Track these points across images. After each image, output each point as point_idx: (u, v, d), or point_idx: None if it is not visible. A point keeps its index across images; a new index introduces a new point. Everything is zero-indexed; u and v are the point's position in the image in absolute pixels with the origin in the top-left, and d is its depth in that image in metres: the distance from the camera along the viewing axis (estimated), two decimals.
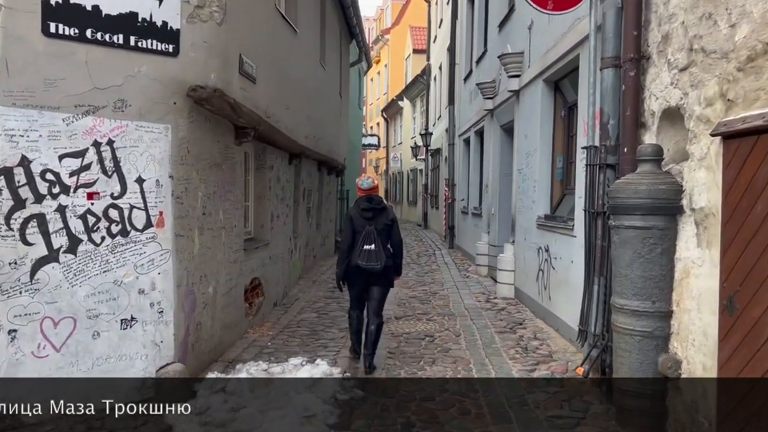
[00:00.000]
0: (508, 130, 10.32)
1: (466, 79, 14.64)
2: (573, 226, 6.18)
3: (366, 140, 29.59)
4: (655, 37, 4.39)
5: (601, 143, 4.96)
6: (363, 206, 5.71)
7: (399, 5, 38.10)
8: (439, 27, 21.58)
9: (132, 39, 4.55)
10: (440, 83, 21.06)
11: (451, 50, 16.23)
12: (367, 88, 44.34)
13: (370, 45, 42.50)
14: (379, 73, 40.73)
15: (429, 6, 23.77)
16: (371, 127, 41.21)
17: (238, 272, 6.54)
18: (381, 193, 40.01)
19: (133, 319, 4.68)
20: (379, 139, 31.46)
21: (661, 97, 4.22)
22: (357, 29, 13.66)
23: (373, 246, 5.51)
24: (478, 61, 12.67)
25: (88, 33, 4.39)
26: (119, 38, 4.50)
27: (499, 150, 10.65)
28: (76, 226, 4.43)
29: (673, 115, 4.14)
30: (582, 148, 5.37)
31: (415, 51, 31.18)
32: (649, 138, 4.45)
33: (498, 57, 8.99)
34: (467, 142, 14.63)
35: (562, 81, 7.38)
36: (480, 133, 13.09)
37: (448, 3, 17.78)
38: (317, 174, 11.88)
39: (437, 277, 11.35)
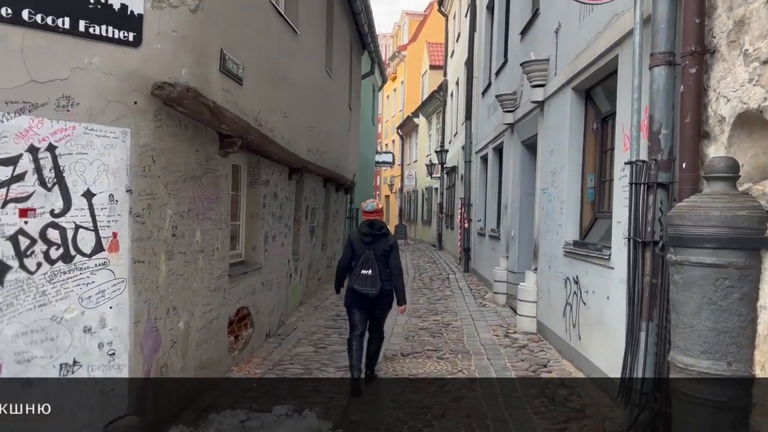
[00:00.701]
0: (530, 146, 9.45)
1: (484, 92, 13.81)
2: (609, 255, 5.27)
3: (380, 157, 28.84)
4: (723, 25, 3.51)
5: (651, 157, 4.07)
6: (364, 230, 5.70)
7: (416, 21, 37.59)
8: (457, 41, 20.85)
9: (82, 24, 3.76)
10: (457, 99, 20.29)
11: (469, 64, 15.45)
12: (383, 105, 43.76)
13: (387, 62, 42.02)
14: (395, 90, 40.15)
15: (446, 20, 23.08)
16: (386, 145, 40.52)
17: (220, 302, 5.69)
18: (394, 213, 39.30)
19: (75, 363, 3.84)
20: (393, 156, 30.72)
21: (735, 98, 3.33)
22: (369, 38, 12.93)
23: (370, 271, 5.50)
24: (498, 73, 11.84)
25: (25, 14, 3.61)
26: (65, 22, 3.72)
27: (520, 168, 9.76)
28: (4, 249, 3.61)
29: (751, 121, 3.25)
30: (626, 163, 4.48)
31: (432, 67, 30.52)
32: (715, 150, 3.56)
33: (521, 65, 8.15)
34: (485, 159, 13.77)
35: (594, 89, 6.51)
36: (499, 150, 12.21)
37: (466, 16, 17.05)
38: (323, 191, 11.06)
39: (451, 305, 10.42)
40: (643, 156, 4.30)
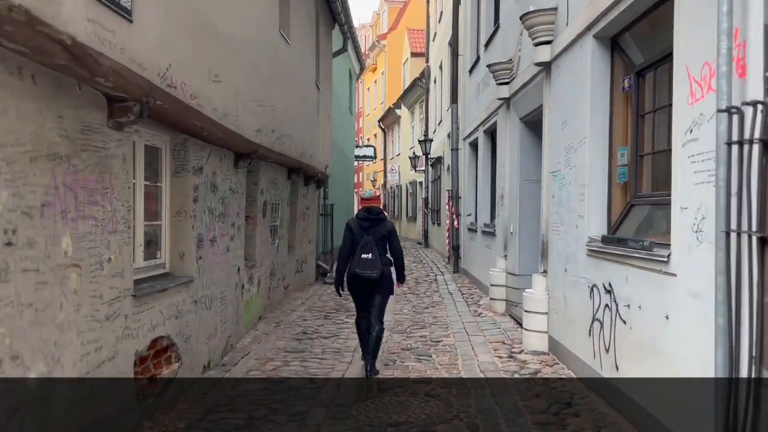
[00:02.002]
0: (532, 123, 7.87)
1: (471, 70, 12.22)
2: (668, 257, 3.68)
3: (360, 151, 27.14)
4: None
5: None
6: (361, 216, 5.89)
7: (396, 9, 35.96)
8: (439, 22, 19.27)
9: None
10: (441, 85, 18.70)
11: (454, 42, 13.84)
12: (364, 98, 42.15)
13: (366, 53, 40.36)
14: (375, 81, 38.54)
15: (428, 1, 21.47)
16: (368, 140, 38.87)
17: (119, 335, 4.03)
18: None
19: None
20: (375, 150, 29.03)
21: None
22: (340, 8, 11.24)
23: (370, 255, 5.66)
24: (488, 44, 10.25)
25: None
26: None
27: (519, 150, 8.18)
28: None
29: None
30: (719, 111, 2.89)
31: (414, 54, 28.92)
32: None
33: (520, 18, 6.55)
34: (474, 145, 12.18)
35: (622, 36, 4.92)
36: (491, 133, 10.63)
37: None
38: (287, 184, 9.39)
39: (440, 314, 8.82)
40: (736, 101, 2.72)
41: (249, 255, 7.71)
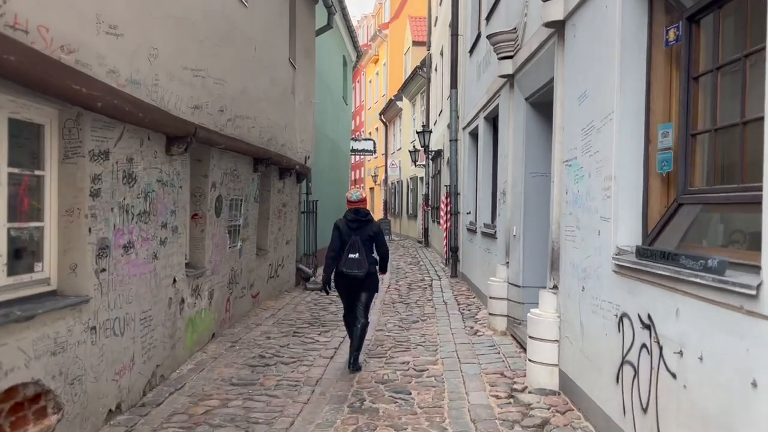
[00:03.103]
0: (540, 103, 6.52)
1: (472, 50, 10.84)
2: (758, 288, 2.31)
3: (358, 145, 25.79)
4: None
5: None
6: (350, 217, 6.03)
7: None
8: (440, 4, 17.87)
9: None
10: (442, 73, 17.31)
11: (453, 22, 12.45)
12: (366, 92, 40.78)
13: (368, 42, 38.97)
14: (377, 73, 37.15)
15: None
16: (369, 133, 37.53)
17: None
18: (378, 206, 36.26)
19: None
20: (374, 143, 27.64)
21: None
22: None
23: (357, 255, 5.83)
24: (489, 15, 8.87)
25: None
26: None
27: (524, 136, 6.81)
28: None
29: None
30: None
31: (415, 43, 27.51)
32: None
33: None
34: (474, 135, 10.82)
35: None
36: (492, 119, 9.26)
37: None
38: (253, 176, 8.05)
39: (430, 331, 7.47)
40: None
41: (196, 261, 6.39)
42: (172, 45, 4.83)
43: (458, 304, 9.23)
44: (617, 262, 3.73)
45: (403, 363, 6.01)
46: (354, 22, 42.15)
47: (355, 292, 5.99)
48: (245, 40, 6.66)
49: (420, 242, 22.54)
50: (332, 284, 6.04)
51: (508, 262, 7.33)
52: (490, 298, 7.27)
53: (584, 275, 4.39)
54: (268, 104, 7.59)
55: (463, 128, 11.75)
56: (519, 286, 6.81)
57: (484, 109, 9.31)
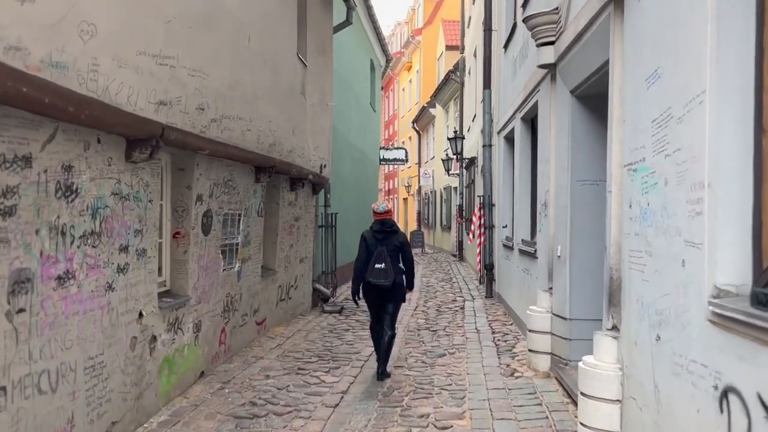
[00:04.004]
0: (590, 97, 5.38)
1: (506, 44, 9.70)
2: None
3: (389, 154, 24.70)
4: None
5: None
6: (376, 228, 6.20)
7: (432, 2, 33.44)
8: (473, 3, 16.77)
9: None
10: (475, 75, 16.16)
11: (487, 19, 11.31)
12: (399, 100, 39.83)
13: (401, 50, 38.04)
14: (411, 81, 36.21)
15: None
16: (403, 142, 36.51)
17: None
18: (412, 217, 35.08)
19: None
20: (406, 152, 26.52)
21: None
22: None
23: (383, 265, 5.98)
24: (526, 2, 7.73)
25: None
26: None
27: (569, 136, 5.64)
28: None
29: None
30: None
31: (449, 47, 26.38)
32: None
33: None
34: (510, 139, 9.66)
35: None
36: (531, 120, 8.11)
37: None
38: (255, 187, 7.07)
39: (458, 369, 6.32)
40: None
41: (178, 289, 5.41)
42: (120, 21, 3.85)
43: (493, 333, 8.04)
44: (717, 310, 2.55)
45: (422, 416, 4.87)
46: (387, 31, 41.24)
47: (383, 302, 6.15)
48: (235, 26, 5.66)
49: (454, 255, 21.34)
50: (360, 294, 6.20)
51: (551, 288, 6.14)
52: (530, 331, 6.08)
53: (659, 319, 3.21)
54: (268, 104, 6.59)
55: (498, 132, 10.59)
56: (565, 319, 5.61)
57: (521, 109, 8.15)
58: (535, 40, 6.05)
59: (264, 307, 7.73)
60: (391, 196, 41.15)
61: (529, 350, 6.11)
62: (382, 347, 6.04)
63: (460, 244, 20.34)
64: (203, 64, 4.93)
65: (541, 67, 6.16)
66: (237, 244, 6.67)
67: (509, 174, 9.85)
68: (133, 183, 4.38)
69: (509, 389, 5.47)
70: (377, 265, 5.97)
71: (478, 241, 12.33)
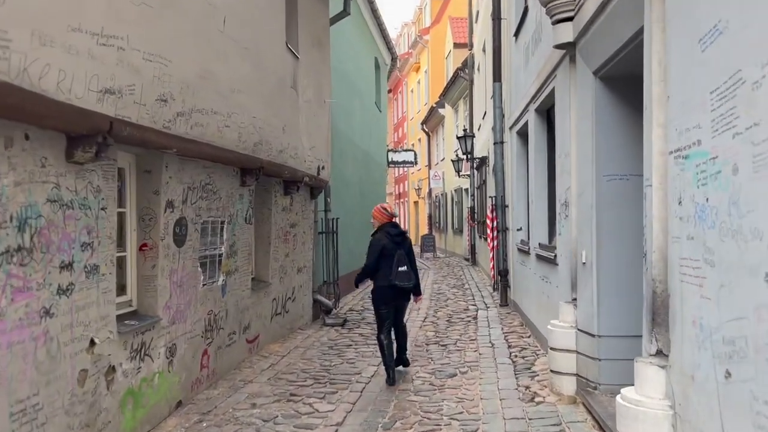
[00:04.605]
0: (616, 78, 4.63)
1: (517, 32, 8.94)
2: None
3: (398, 156, 24.06)
4: None
5: None
6: (393, 232, 6.23)
7: (440, 0, 32.71)
8: None
9: None
10: (485, 71, 15.40)
11: (495, 8, 10.55)
12: (408, 102, 39.14)
13: (409, 50, 37.35)
14: (419, 82, 35.50)
15: None
16: (412, 145, 35.78)
17: None
18: (423, 221, 34.30)
19: None
20: (415, 154, 25.81)
21: None
22: None
23: (405, 267, 6.10)
24: None
25: None
26: None
27: (593, 124, 4.88)
28: None
29: None
30: None
31: (456, 45, 25.64)
32: None
33: None
34: (524, 134, 8.90)
35: None
36: (546, 111, 7.35)
37: None
38: (241, 192, 6.37)
39: (470, 392, 5.56)
40: None
41: (146, 308, 4.72)
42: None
43: (509, 347, 7.27)
44: None
45: None
46: (393, 33, 40.63)
47: (400, 304, 6.34)
48: (204, 7, 4.94)
49: (467, 259, 20.54)
50: (378, 298, 6.20)
51: (575, 299, 5.37)
52: (552, 349, 5.31)
53: (730, 351, 2.45)
54: (251, 98, 5.89)
55: (510, 128, 9.83)
56: (593, 335, 4.84)
57: (535, 100, 7.40)
58: (551, 18, 5.31)
59: (256, 322, 7.03)
60: (401, 200, 40.44)
61: (551, 371, 5.34)
62: (399, 341, 6.35)
63: (473, 248, 19.56)
64: (163, 48, 4.23)
65: (558, 47, 5.41)
66: (220, 255, 5.96)
67: (523, 172, 9.09)
68: (78, 188, 3.69)
69: (530, 419, 4.71)
70: (400, 268, 6.04)
71: (491, 245, 11.55)
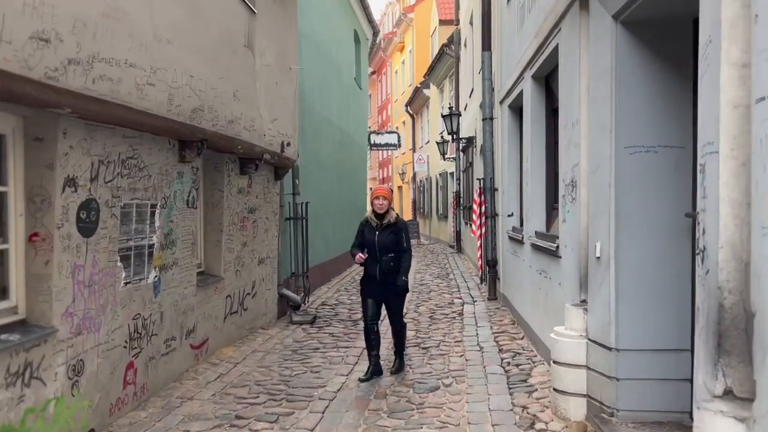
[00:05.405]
0: (643, 23, 3.61)
1: None
2: None
3: (380, 138, 23.00)
4: None
5: None
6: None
7: None
8: None
9: None
10: (472, 47, 14.32)
11: None
12: (392, 83, 37.91)
13: (393, 30, 36.06)
14: (403, 62, 34.27)
15: None
16: (396, 128, 34.63)
17: None
18: (407, 206, 33.23)
19: None
20: (399, 137, 24.71)
21: None
22: None
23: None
24: None
25: None
26: None
27: (613, 82, 3.84)
28: None
29: None
30: None
31: (442, 22, 24.50)
32: None
33: None
34: (516, 108, 7.89)
35: None
36: (545, 78, 6.32)
37: None
38: (180, 169, 5.27)
39: (454, 414, 4.55)
40: None
41: (38, 317, 3.64)
42: None
43: (500, 351, 6.28)
44: None
45: None
46: (378, 12, 39.22)
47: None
48: None
49: (452, 246, 19.59)
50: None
51: (584, 301, 4.37)
52: (556, 363, 4.30)
53: None
54: (186, 52, 4.76)
55: (501, 101, 8.79)
56: (609, 348, 3.84)
57: (532, 65, 6.35)
58: None
59: (204, 324, 5.97)
60: (385, 185, 39.36)
61: (554, 389, 4.34)
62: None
63: (458, 235, 18.59)
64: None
65: None
66: (151, 246, 4.88)
67: (516, 151, 8.07)
68: None
69: None
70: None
71: (478, 233, 10.54)
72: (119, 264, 4.40)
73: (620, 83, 3.81)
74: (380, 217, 5.54)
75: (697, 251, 2.56)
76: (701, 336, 2.45)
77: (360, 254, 5.46)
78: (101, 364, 4.20)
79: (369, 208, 5.75)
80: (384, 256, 5.48)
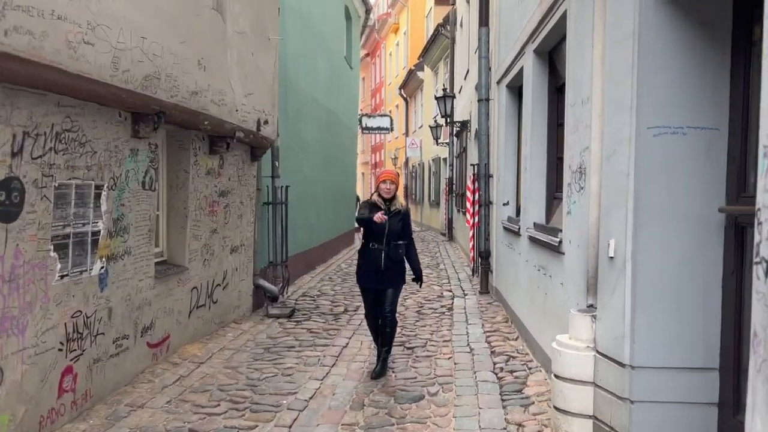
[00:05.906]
0: None
1: None
2: None
3: (372, 122, 22.29)
4: None
5: None
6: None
7: None
8: None
9: None
10: (468, 27, 13.63)
11: None
12: (386, 66, 37.10)
13: (388, 11, 35.18)
14: (398, 44, 33.45)
15: None
16: (390, 111, 33.90)
17: None
18: (400, 193, 32.63)
19: None
20: (391, 120, 24.00)
21: None
22: None
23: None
24: None
25: None
26: None
27: (635, 51, 3.22)
28: None
29: None
30: None
31: (438, 2, 23.67)
32: None
33: None
34: (515, 88, 7.26)
35: None
36: (548, 53, 5.69)
37: None
38: (135, 146, 4.62)
39: None
40: None
41: None
42: None
43: (492, 353, 5.71)
44: None
45: None
46: None
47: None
48: None
49: (443, 234, 19.02)
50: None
51: (592, 306, 3.78)
52: (558, 378, 3.72)
53: None
54: (136, 7, 4.09)
55: (498, 81, 8.15)
56: (623, 365, 3.26)
57: (534, 38, 5.71)
58: None
59: (164, 320, 5.35)
60: (377, 169, 38.67)
61: (556, 408, 3.76)
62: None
63: (450, 223, 18.01)
64: None
65: None
66: (96, 233, 4.24)
67: (513, 134, 7.45)
68: None
69: None
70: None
71: (471, 222, 9.95)
72: (53, 254, 3.77)
73: (644, 51, 3.19)
74: (387, 202, 5.20)
75: (756, 259, 1.96)
76: (762, 371, 1.86)
77: (381, 214, 5.00)
78: (27, 371, 3.58)
79: (373, 193, 5.38)
80: (393, 242, 5.15)
